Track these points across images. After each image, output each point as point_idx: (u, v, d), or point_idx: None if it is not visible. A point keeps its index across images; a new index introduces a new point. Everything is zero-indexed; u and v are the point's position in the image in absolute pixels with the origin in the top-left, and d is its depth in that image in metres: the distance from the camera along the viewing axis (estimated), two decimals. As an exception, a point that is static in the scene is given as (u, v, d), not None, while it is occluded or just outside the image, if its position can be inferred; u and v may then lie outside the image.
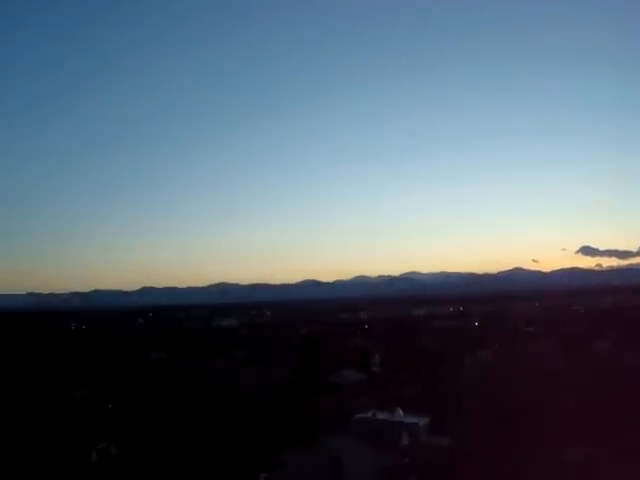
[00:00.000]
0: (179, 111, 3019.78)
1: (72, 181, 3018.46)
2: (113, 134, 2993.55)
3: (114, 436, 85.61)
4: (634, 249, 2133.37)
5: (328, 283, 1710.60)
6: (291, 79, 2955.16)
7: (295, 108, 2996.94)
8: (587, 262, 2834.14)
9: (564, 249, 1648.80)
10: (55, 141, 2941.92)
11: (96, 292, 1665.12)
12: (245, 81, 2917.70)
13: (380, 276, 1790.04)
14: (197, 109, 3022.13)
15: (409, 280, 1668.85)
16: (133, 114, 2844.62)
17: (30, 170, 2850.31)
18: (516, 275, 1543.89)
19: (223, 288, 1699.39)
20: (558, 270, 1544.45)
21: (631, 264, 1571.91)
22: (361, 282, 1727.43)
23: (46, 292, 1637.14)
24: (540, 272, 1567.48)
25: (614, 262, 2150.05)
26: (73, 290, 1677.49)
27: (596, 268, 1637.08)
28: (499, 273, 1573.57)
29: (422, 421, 79.56)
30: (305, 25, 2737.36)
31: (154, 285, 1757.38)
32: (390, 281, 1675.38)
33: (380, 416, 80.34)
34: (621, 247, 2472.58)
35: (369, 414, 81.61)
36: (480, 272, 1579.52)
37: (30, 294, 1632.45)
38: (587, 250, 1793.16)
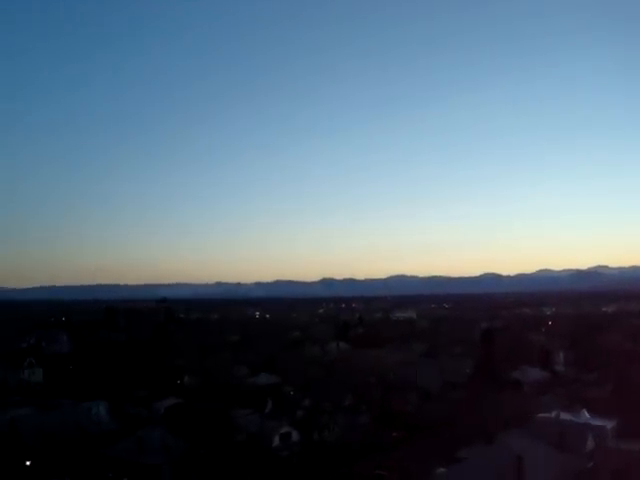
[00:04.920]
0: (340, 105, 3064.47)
1: (264, 181, 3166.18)
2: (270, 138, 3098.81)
3: (296, 422, 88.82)
4: None
5: (509, 276, 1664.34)
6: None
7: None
8: None
9: None
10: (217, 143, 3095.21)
11: (278, 282, 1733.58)
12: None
13: (565, 270, 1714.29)
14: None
15: (597, 274, 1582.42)
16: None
17: (205, 173, 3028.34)
18: None
19: (401, 280, 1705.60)
20: None
21: None
22: (545, 276, 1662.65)
23: (233, 282, 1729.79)
24: None
25: None
26: (257, 280, 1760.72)
27: None
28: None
29: (610, 424, 75.48)
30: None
31: (334, 277, 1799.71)
32: (576, 275, 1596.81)
33: (564, 417, 77.08)
34: None
35: (552, 414, 78.55)
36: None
37: (218, 284, 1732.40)
38: None
